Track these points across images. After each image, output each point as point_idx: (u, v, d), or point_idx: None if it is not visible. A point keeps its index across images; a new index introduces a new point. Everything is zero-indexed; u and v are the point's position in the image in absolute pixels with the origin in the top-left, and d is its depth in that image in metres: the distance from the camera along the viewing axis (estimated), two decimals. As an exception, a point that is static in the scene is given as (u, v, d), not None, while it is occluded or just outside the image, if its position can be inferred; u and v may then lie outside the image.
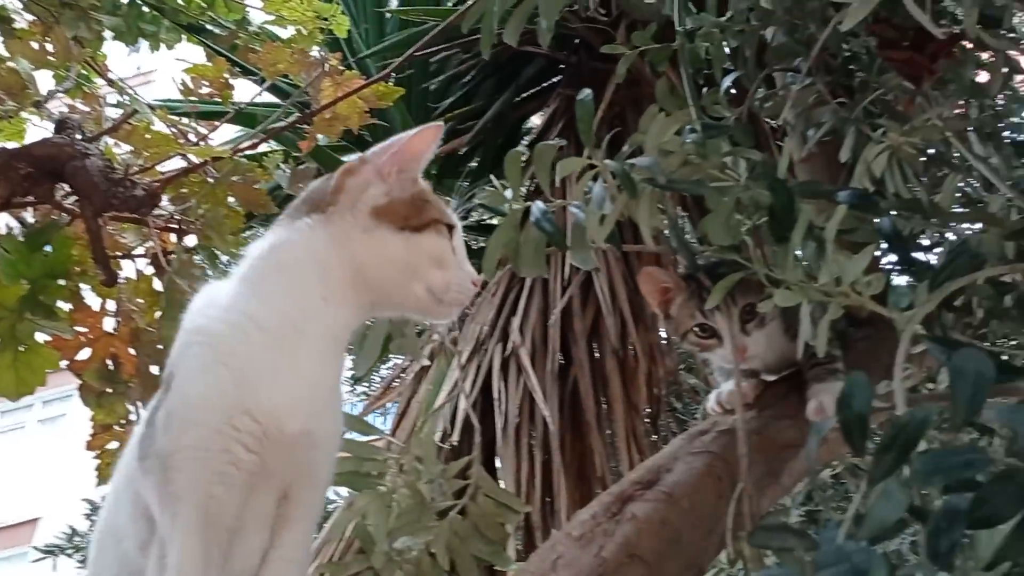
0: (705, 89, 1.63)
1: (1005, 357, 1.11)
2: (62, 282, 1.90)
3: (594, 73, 3.40)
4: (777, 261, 1.05)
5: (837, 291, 0.98)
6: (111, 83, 2.64)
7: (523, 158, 1.27)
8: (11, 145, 1.98)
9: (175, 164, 2.18)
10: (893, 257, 1.11)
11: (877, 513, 0.64)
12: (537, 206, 1.14)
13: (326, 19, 2.15)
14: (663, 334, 2.82)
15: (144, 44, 2.79)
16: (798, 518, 2.75)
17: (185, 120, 2.30)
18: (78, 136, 1.95)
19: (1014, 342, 1.33)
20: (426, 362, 2.30)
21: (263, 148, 3.51)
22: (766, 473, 1.19)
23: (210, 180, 2.21)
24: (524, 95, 3.60)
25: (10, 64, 2.15)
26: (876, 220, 1.04)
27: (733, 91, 1.67)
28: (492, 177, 1.18)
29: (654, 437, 2.97)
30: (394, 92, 2.28)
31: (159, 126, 2.22)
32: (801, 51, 1.47)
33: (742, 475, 1.03)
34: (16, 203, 1.92)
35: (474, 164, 3.76)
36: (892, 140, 1.11)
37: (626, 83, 3.12)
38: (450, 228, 1.10)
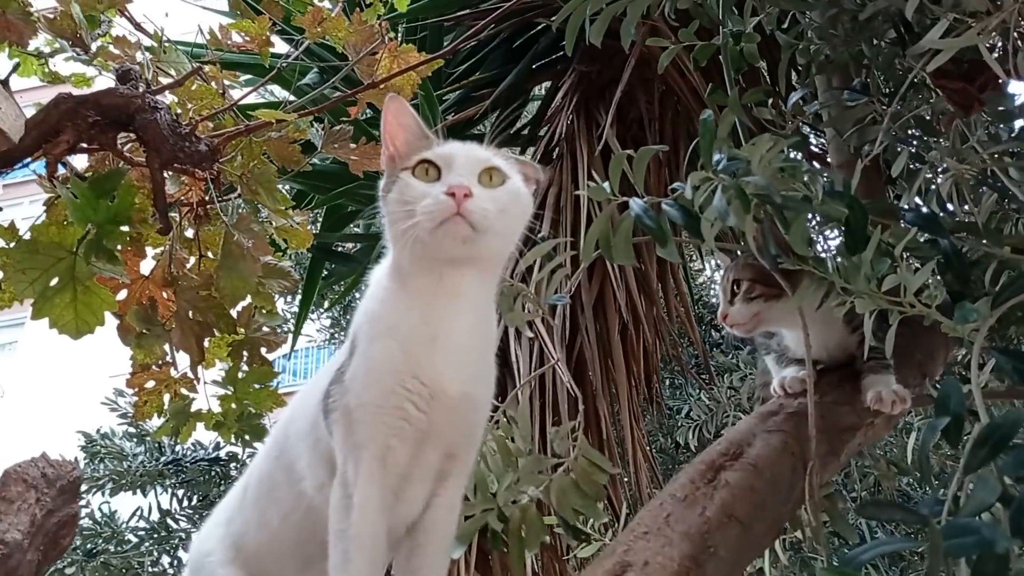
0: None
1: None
2: (125, 228, 1.97)
3: (604, 50, 3.50)
4: (847, 271, 1.19)
5: (905, 300, 1.13)
6: (137, 26, 2.66)
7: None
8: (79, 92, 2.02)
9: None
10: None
11: (976, 495, 0.79)
12: (637, 203, 1.26)
13: (389, -9, 2.22)
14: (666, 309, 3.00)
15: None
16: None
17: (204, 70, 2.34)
18: (141, 87, 2.00)
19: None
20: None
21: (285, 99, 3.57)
22: (828, 451, 1.37)
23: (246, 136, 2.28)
24: (535, 66, 3.69)
25: (65, 10, 2.19)
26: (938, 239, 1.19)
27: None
28: (593, 173, 1.29)
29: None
30: (435, 64, 2.37)
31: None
32: (853, 68, 1.61)
33: (811, 453, 1.19)
34: (80, 149, 1.98)
35: (479, 131, 3.85)
36: (953, 167, 1.26)
37: (636, 63, 3.25)
38: None
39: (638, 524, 1.18)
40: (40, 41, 2.30)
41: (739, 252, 1.63)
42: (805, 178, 1.21)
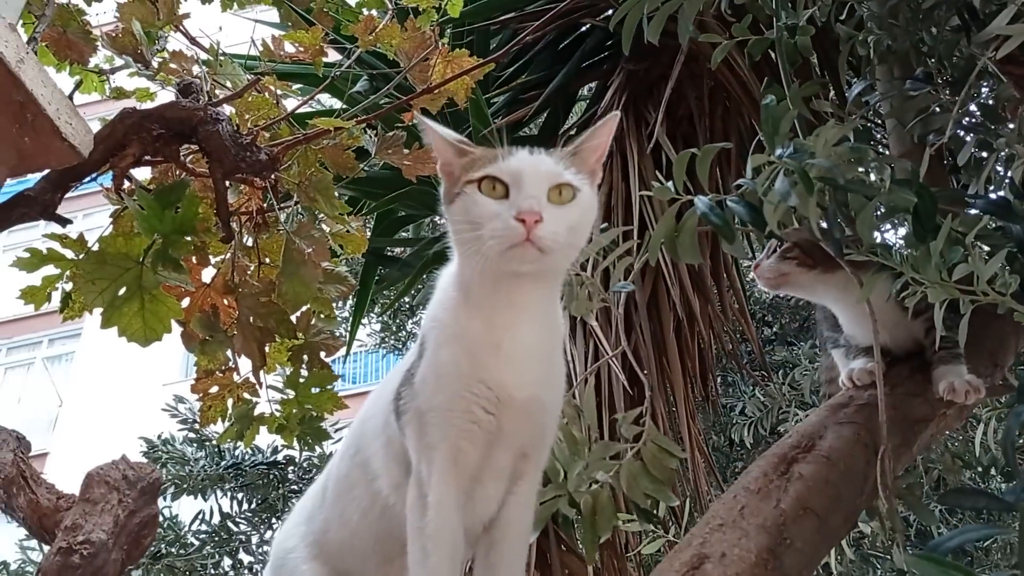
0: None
1: None
2: (189, 238, 2.02)
3: (652, 47, 3.49)
4: (917, 261, 1.18)
5: (978, 289, 1.11)
6: (192, 41, 2.71)
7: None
8: (143, 107, 2.08)
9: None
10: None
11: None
12: (702, 200, 1.27)
13: (442, -2, 2.25)
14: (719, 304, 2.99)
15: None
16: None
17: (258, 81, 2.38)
18: (203, 100, 2.05)
19: None
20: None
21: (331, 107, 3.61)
22: (901, 442, 1.37)
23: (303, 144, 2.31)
24: (582, 67, 3.69)
25: (127, 27, 2.24)
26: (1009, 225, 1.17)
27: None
28: (657, 174, 1.30)
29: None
30: (487, 67, 2.39)
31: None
32: (914, 58, 1.59)
33: (883, 441, 1.19)
34: (145, 162, 2.03)
35: (525, 132, 3.86)
36: (1022, 153, 1.24)
37: (684, 60, 3.24)
38: None
39: (713, 517, 1.20)
40: (99, 58, 2.37)
41: None
42: (871, 166, 1.21)
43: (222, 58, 2.49)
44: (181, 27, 2.70)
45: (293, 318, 2.33)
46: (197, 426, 4.04)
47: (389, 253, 4.19)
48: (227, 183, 2.06)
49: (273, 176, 2.27)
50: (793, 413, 3.59)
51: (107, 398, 13.22)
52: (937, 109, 1.52)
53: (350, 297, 4.72)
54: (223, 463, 3.98)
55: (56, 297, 2.13)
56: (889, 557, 2.14)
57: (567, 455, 1.39)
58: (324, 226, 2.39)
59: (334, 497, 1.35)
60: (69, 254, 2.02)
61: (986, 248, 1.29)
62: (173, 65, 2.37)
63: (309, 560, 1.34)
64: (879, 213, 1.35)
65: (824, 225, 1.19)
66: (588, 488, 1.36)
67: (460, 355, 1.21)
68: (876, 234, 1.30)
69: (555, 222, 1.18)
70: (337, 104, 3.54)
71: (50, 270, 2.04)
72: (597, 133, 1.28)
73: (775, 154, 1.19)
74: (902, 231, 1.71)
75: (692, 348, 2.96)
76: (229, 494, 4.00)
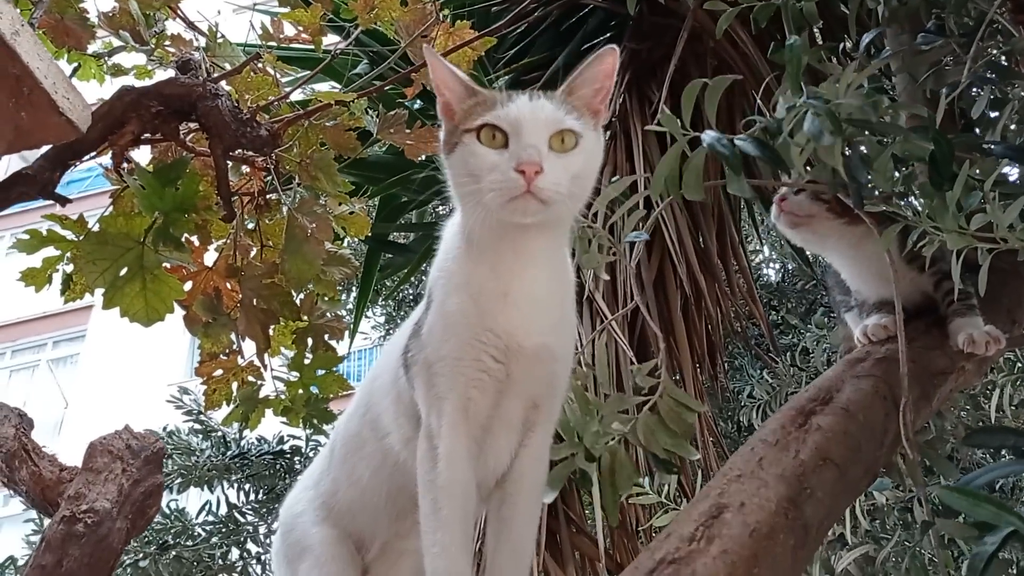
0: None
1: None
2: (190, 215, 2.00)
3: (655, 27, 3.48)
4: (933, 208, 1.16)
5: (997, 235, 1.09)
6: (190, 24, 2.69)
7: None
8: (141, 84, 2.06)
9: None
10: None
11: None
12: (710, 134, 1.24)
13: (440, -31, 2.22)
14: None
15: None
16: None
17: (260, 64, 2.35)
18: (201, 76, 2.03)
19: None
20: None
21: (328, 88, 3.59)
22: (920, 396, 1.35)
23: (304, 123, 2.29)
24: (584, 48, 3.66)
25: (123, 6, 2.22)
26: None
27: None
28: (663, 107, 1.27)
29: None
30: (488, 42, 2.36)
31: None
32: (924, 13, 1.56)
33: (903, 391, 1.16)
34: (144, 140, 2.01)
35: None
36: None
37: (688, 38, 3.21)
38: None
39: (730, 468, 1.18)
40: (98, 45, 2.35)
41: None
42: (887, 114, 1.18)
43: (220, 40, 2.46)
44: (178, 11, 2.67)
45: (297, 301, 2.31)
46: (202, 417, 4.02)
47: (393, 239, 4.18)
48: (227, 160, 2.03)
49: (274, 156, 2.25)
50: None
51: (113, 400, 13.21)
52: (950, 63, 1.49)
53: (354, 288, 4.70)
54: (229, 453, 3.96)
55: (58, 281, 2.11)
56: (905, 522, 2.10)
57: (579, 417, 1.36)
58: (331, 209, 2.36)
59: (342, 457, 1.34)
60: (69, 235, 2.00)
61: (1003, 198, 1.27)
62: (171, 48, 2.34)
63: (318, 523, 1.32)
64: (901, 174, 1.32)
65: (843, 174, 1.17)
66: (605, 444, 1.33)
67: (467, 303, 1.19)
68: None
69: (556, 172, 1.15)
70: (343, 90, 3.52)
71: (50, 252, 2.03)
72: (593, 71, 1.24)
73: (799, 98, 1.16)
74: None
75: (700, 327, 2.94)
76: (236, 485, 3.98)
